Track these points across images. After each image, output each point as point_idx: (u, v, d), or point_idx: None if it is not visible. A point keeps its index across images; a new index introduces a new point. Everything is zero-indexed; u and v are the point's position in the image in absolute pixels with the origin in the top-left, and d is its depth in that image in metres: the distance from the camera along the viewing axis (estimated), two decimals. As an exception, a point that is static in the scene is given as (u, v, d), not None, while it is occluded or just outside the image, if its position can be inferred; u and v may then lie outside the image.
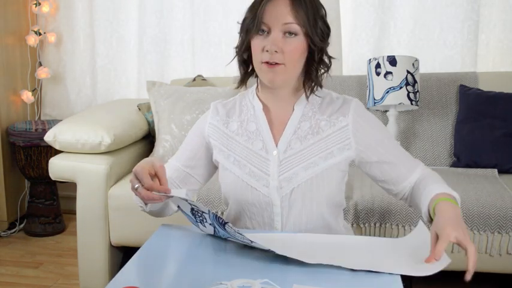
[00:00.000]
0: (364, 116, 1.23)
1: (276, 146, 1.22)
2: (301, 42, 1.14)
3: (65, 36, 3.12)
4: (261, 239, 1.07)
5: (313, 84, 1.20)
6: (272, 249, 0.99)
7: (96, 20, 3.06)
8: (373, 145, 1.22)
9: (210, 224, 1.08)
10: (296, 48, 1.14)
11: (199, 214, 1.07)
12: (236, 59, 1.25)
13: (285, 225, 1.22)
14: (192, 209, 1.07)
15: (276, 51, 1.12)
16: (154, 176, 1.06)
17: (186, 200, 1.04)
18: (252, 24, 1.14)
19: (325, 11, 1.20)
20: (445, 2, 2.66)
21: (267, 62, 1.14)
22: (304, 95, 1.22)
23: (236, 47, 1.23)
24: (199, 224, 1.12)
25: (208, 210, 1.03)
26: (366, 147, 1.21)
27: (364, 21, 2.76)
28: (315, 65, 1.19)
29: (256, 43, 1.15)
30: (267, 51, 1.13)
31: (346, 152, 1.21)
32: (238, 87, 1.27)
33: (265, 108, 1.26)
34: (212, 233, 1.11)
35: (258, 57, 1.16)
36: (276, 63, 1.14)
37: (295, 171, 1.19)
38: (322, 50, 1.18)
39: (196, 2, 2.93)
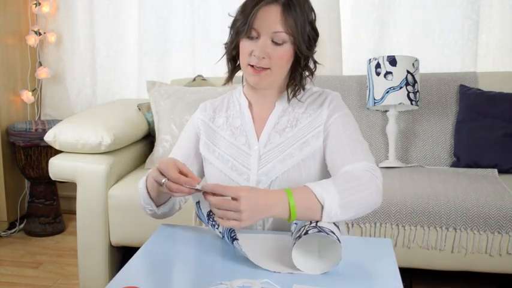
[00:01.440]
0: (337, 107, 1.24)
1: (258, 141, 1.25)
2: (289, 49, 1.18)
3: (65, 36, 3.12)
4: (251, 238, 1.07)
5: (296, 88, 1.24)
6: (278, 270, 0.98)
7: (96, 20, 3.06)
8: (331, 133, 1.21)
9: (220, 232, 1.08)
10: (283, 55, 1.17)
11: (213, 219, 1.07)
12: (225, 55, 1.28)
13: (266, 219, 1.23)
14: (210, 211, 1.07)
15: (263, 58, 1.16)
16: (178, 172, 1.07)
17: None
18: (243, 29, 1.17)
19: (315, 15, 1.22)
20: (445, 2, 2.66)
21: (253, 66, 1.17)
22: (285, 92, 1.26)
23: (226, 44, 1.27)
24: (211, 226, 1.12)
25: None
26: (327, 136, 1.22)
27: (364, 21, 2.76)
28: (300, 70, 1.22)
29: (245, 46, 1.19)
30: (254, 55, 1.16)
31: (319, 139, 1.22)
32: (225, 84, 1.30)
33: (250, 105, 1.29)
34: (221, 237, 1.11)
35: (245, 60, 1.19)
36: (262, 68, 1.17)
37: (273, 164, 1.22)
38: (308, 57, 1.22)
39: (196, 2, 2.93)
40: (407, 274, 2.07)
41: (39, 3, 3.02)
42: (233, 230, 1.03)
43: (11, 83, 2.95)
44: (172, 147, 2.31)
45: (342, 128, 1.21)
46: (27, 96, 3.00)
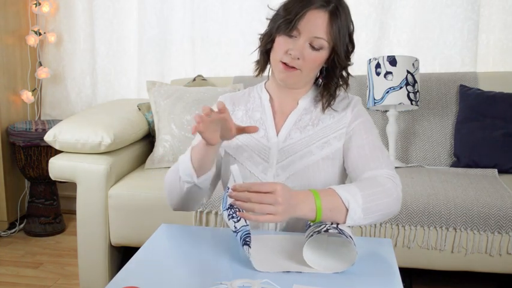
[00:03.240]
0: (360, 112, 1.27)
1: (277, 135, 1.25)
2: (323, 55, 1.19)
3: (65, 36, 3.12)
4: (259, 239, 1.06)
5: (331, 98, 1.25)
6: (286, 270, 0.98)
7: (96, 20, 3.06)
8: (353, 137, 1.24)
9: (236, 227, 1.05)
10: (316, 60, 1.19)
11: (235, 211, 1.05)
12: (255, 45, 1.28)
13: None
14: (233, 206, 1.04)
15: (298, 58, 1.17)
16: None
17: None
18: (285, 27, 1.17)
19: (353, 28, 1.23)
20: (445, 2, 2.66)
21: (285, 63, 1.18)
22: (310, 91, 1.28)
23: (261, 35, 1.27)
24: (228, 215, 1.08)
25: (248, 223, 1.03)
26: (349, 138, 1.24)
27: (364, 21, 2.76)
28: (335, 79, 1.24)
29: (281, 42, 1.19)
30: (290, 54, 1.17)
31: (341, 141, 1.24)
32: (257, 76, 1.30)
33: (271, 99, 1.30)
34: (233, 230, 1.08)
35: (278, 55, 1.20)
36: (293, 67, 1.18)
37: (291, 159, 1.23)
38: (345, 68, 1.23)
39: (196, 2, 2.93)
40: (407, 274, 2.08)
41: (39, 3, 3.02)
42: (249, 235, 1.01)
43: (11, 83, 2.95)
44: (172, 147, 2.32)
45: (365, 133, 1.23)
46: (27, 96, 3.00)
